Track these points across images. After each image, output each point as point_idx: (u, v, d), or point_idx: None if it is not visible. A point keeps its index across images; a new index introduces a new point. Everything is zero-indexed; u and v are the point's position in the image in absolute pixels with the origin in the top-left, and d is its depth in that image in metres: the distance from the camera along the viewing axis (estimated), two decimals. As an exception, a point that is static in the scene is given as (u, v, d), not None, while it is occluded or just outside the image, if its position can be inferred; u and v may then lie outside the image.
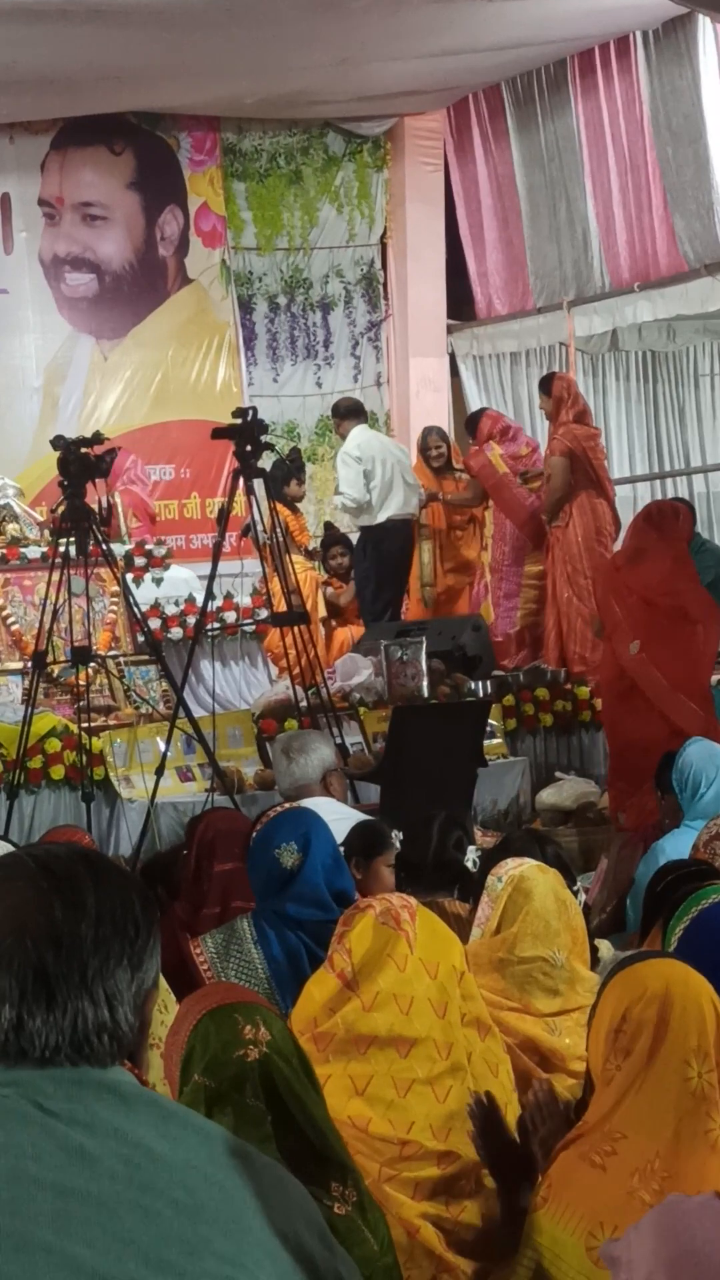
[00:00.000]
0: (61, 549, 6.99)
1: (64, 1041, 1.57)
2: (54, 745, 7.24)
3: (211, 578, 7.32)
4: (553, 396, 9.83)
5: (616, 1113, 2.46)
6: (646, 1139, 2.41)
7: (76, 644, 7.07)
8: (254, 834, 4.09)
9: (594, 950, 3.89)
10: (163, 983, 3.31)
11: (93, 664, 7.32)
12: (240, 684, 9.34)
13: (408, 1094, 2.82)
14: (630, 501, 13.35)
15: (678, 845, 5.31)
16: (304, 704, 7.30)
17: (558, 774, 8.25)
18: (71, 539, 6.92)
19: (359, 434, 10.04)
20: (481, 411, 10.68)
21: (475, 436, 10.13)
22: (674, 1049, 2.44)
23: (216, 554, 7.19)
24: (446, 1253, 2.74)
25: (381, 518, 9.70)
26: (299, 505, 10.31)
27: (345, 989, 2.88)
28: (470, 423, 10.38)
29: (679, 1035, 2.44)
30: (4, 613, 8.56)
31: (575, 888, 3.97)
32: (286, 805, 4.36)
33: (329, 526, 11.47)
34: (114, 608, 8.67)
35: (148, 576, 9.23)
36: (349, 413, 10.20)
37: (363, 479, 9.67)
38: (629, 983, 2.52)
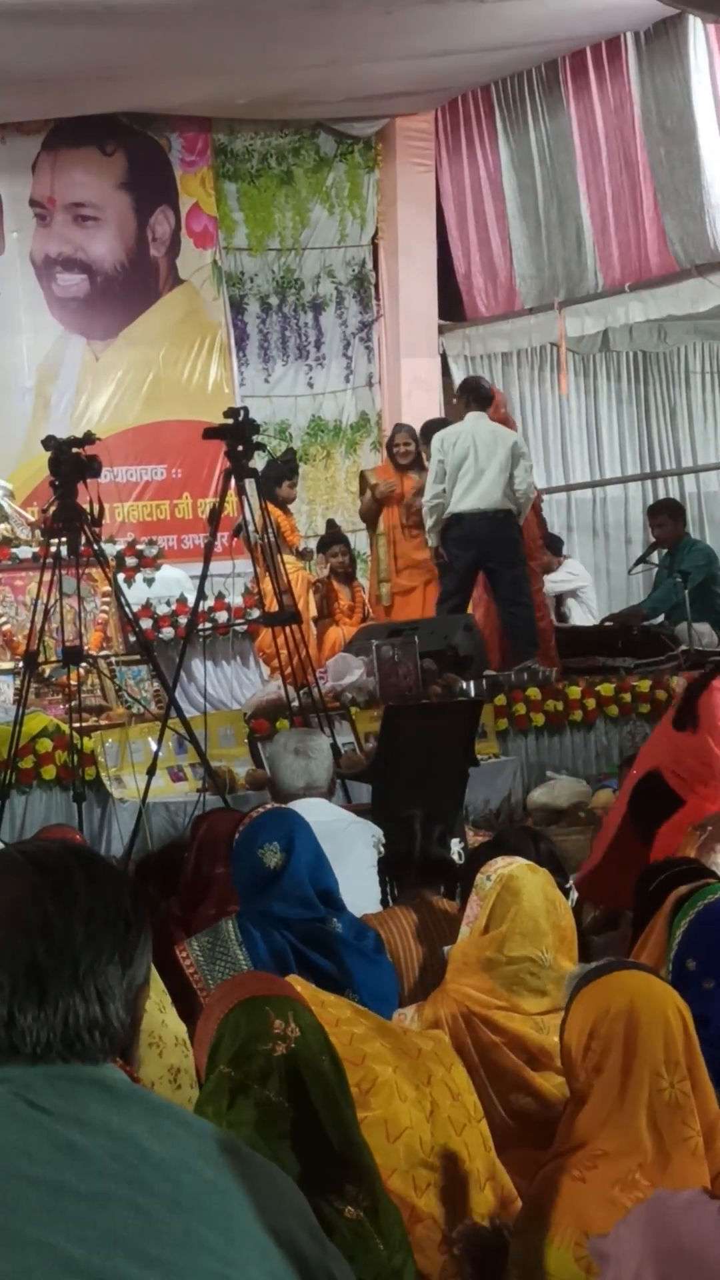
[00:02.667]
0: (53, 549, 6.98)
1: (55, 1038, 1.57)
2: (45, 745, 7.23)
3: (203, 578, 7.32)
4: None
5: (594, 1132, 2.47)
6: (627, 1153, 2.43)
7: (68, 644, 7.07)
8: (236, 835, 4.09)
9: (586, 948, 3.90)
10: (159, 982, 3.32)
11: (84, 664, 7.31)
12: (232, 684, 9.32)
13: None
14: (621, 502, 13.41)
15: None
16: (296, 704, 7.30)
17: (549, 773, 8.26)
18: (63, 539, 6.92)
19: (451, 427, 9.72)
20: (444, 421, 10.76)
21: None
22: (644, 1062, 2.46)
23: (208, 554, 7.19)
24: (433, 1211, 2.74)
25: (448, 512, 9.48)
26: (289, 506, 10.32)
27: None
28: (432, 427, 10.44)
29: (648, 1048, 2.46)
30: (-4, 613, 8.56)
31: (567, 885, 3.98)
32: (269, 806, 4.36)
33: (330, 525, 11.49)
34: (105, 608, 8.66)
35: (139, 576, 9.20)
36: (470, 397, 9.76)
37: (435, 471, 9.43)
38: (594, 998, 2.54)
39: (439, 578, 9.87)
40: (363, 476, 11.16)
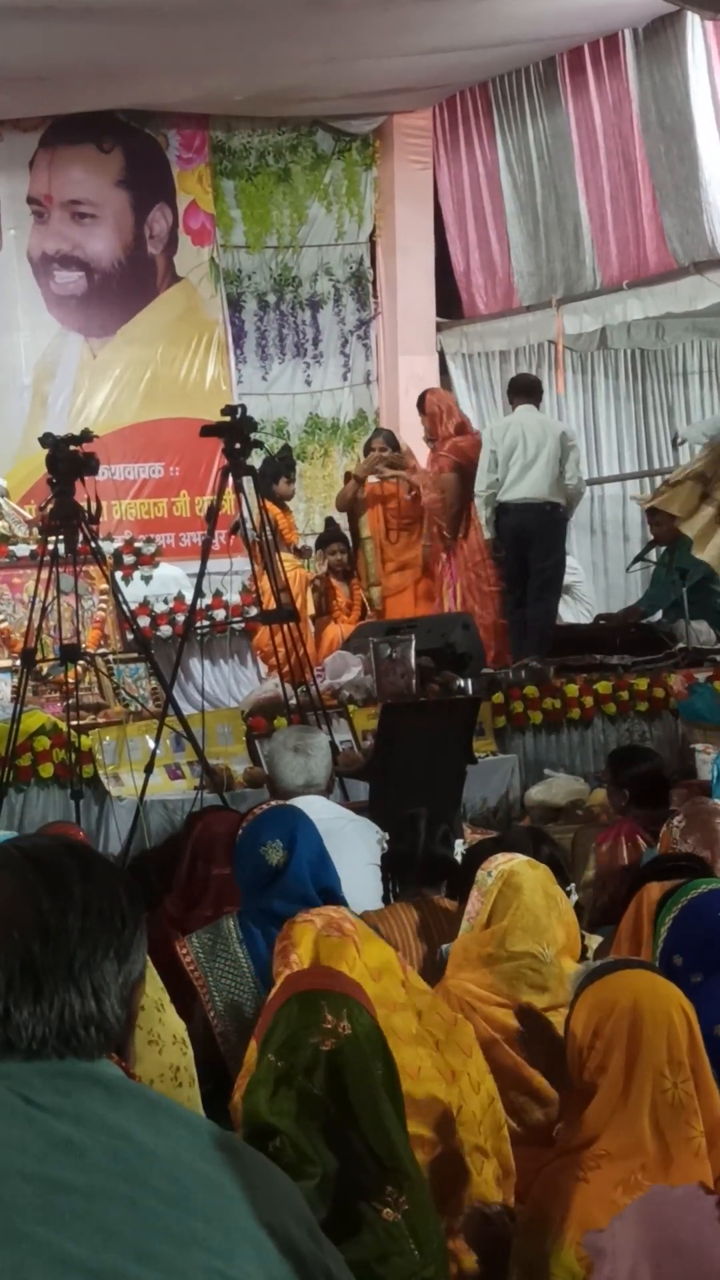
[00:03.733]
0: (50, 546, 6.98)
1: (51, 1034, 1.57)
2: (43, 743, 7.22)
3: (201, 575, 7.32)
4: (427, 414, 10.01)
5: (597, 1131, 2.47)
6: (630, 1153, 2.43)
7: (65, 642, 7.06)
8: (240, 831, 4.09)
9: (585, 951, 3.90)
10: (157, 980, 3.31)
11: (81, 662, 7.31)
12: (229, 682, 9.33)
13: None
14: (619, 500, 13.39)
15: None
16: (293, 702, 7.30)
17: (547, 771, 8.25)
18: (60, 537, 6.92)
19: (502, 419, 9.83)
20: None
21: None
22: (648, 1063, 2.46)
23: (205, 552, 7.19)
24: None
25: (496, 502, 9.56)
26: (287, 503, 10.32)
27: None
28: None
29: (652, 1048, 2.47)
30: (-7, 610, 8.55)
31: (568, 888, 3.98)
32: (272, 803, 4.36)
33: (329, 522, 11.48)
34: (103, 605, 8.66)
35: (137, 574, 9.21)
36: (513, 392, 9.95)
37: (488, 461, 9.51)
38: (598, 997, 2.54)
39: (494, 569, 9.87)
40: (348, 474, 11.19)
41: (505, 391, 10.34)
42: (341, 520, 11.45)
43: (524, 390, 9.88)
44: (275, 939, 3.83)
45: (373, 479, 10.43)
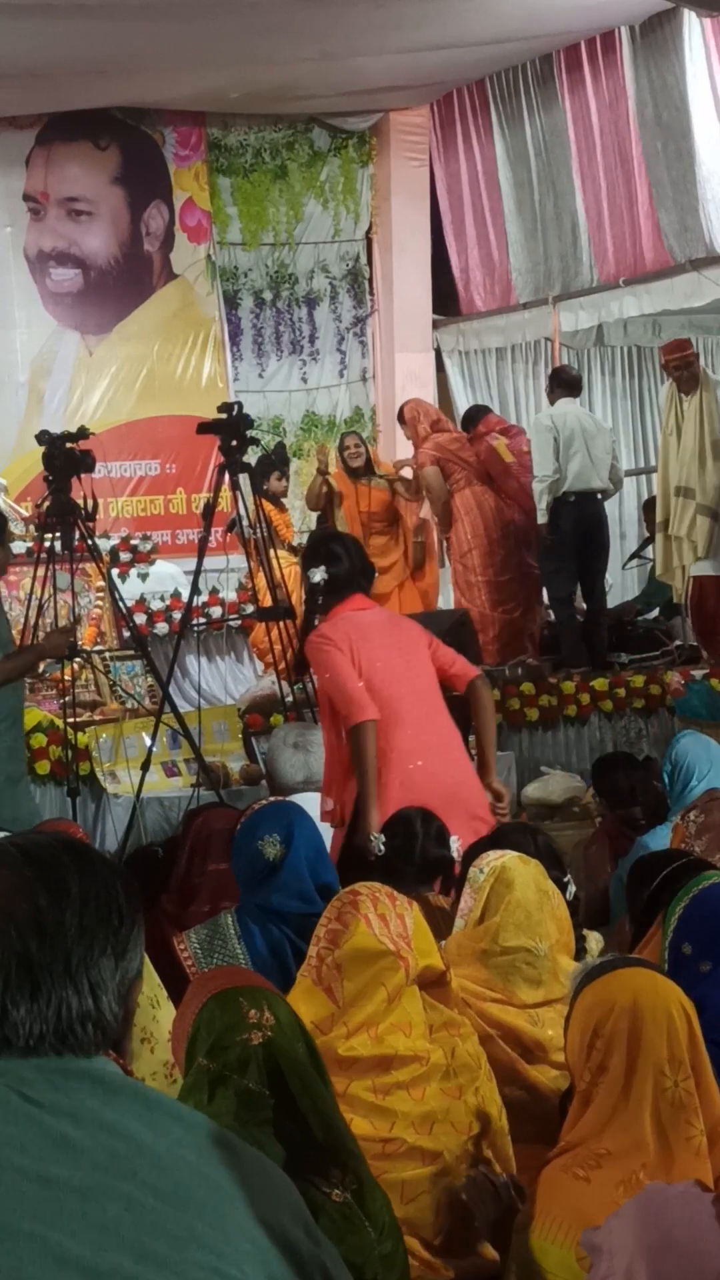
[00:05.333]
0: (47, 544, 6.98)
1: (48, 1031, 1.57)
2: (39, 740, 7.22)
3: (197, 573, 7.31)
4: (406, 421, 10.12)
5: (598, 1130, 2.48)
6: (630, 1152, 2.43)
7: (62, 639, 7.05)
8: (238, 827, 4.10)
9: (582, 940, 3.91)
10: (154, 977, 3.31)
11: (78, 659, 7.31)
12: (226, 679, 9.33)
13: (387, 1097, 2.84)
14: (616, 497, 13.38)
15: (661, 840, 5.36)
16: (289, 699, 7.30)
17: (543, 769, 8.26)
18: (57, 534, 6.91)
19: (556, 406, 9.88)
20: (486, 408, 10.82)
21: (476, 428, 10.21)
22: (648, 1061, 2.46)
23: (202, 549, 7.18)
24: (433, 1259, 2.75)
25: (560, 491, 9.56)
26: (284, 500, 10.31)
27: (329, 1016, 2.90)
28: (472, 416, 10.46)
29: (652, 1047, 2.46)
30: (-11, 608, 8.54)
31: (566, 879, 3.98)
32: (271, 799, 4.36)
33: (323, 519, 11.47)
34: (100, 603, 8.66)
35: (133, 571, 9.21)
36: (558, 385, 10.00)
37: (551, 448, 9.50)
38: (598, 996, 2.54)
39: (540, 560, 9.86)
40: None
41: (547, 384, 10.29)
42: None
43: (568, 384, 9.94)
44: (273, 935, 3.84)
45: (331, 470, 10.46)
